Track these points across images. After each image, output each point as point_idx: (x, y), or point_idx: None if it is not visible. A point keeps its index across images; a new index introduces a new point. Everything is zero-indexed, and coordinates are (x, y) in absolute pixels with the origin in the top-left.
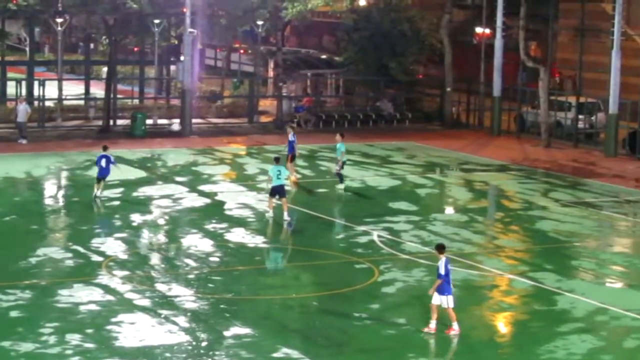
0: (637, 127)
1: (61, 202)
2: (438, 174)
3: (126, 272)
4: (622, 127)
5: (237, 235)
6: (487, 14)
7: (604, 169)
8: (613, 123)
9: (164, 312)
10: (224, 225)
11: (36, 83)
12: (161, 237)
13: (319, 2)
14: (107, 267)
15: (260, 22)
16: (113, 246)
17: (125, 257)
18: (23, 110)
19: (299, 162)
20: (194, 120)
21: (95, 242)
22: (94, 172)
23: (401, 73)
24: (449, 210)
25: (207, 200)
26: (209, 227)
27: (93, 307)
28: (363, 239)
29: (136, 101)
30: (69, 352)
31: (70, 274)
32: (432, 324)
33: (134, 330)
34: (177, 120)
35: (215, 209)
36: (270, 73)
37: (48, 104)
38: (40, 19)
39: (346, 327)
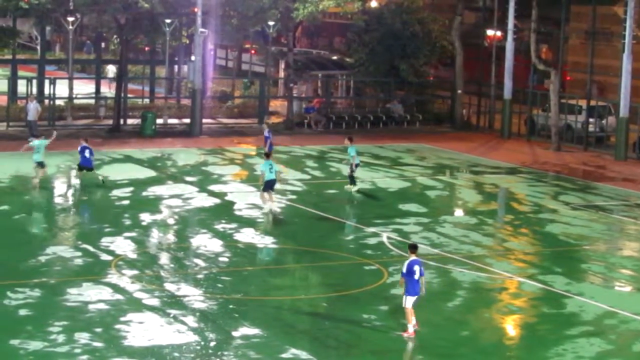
0: None
1: (70, 201)
2: (448, 176)
3: (135, 272)
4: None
5: (247, 236)
6: (498, 17)
7: (614, 173)
8: (623, 126)
9: (173, 311)
10: (233, 225)
11: (47, 82)
12: (170, 237)
13: (330, 3)
14: (116, 266)
15: (271, 23)
16: (122, 245)
17: (134, 256)
18: (33, 109)
19: (309, 162)
20: (204, 120)
21: (105, 241)
22: (102, 170)
23: (412, 75)
24: (459, 212)
25: (217, 200)
26: (219, 227)
27: (102, 306)
28: (372, 241)
29: (146, 101)
30: (77, 350)
31: (80, 272)
32: (410, 328)
33: (143, 329)
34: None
35: (225, 209)
36: (281, 74)
37: (58, 102)
38: (51, 17)
39: (355, 329)
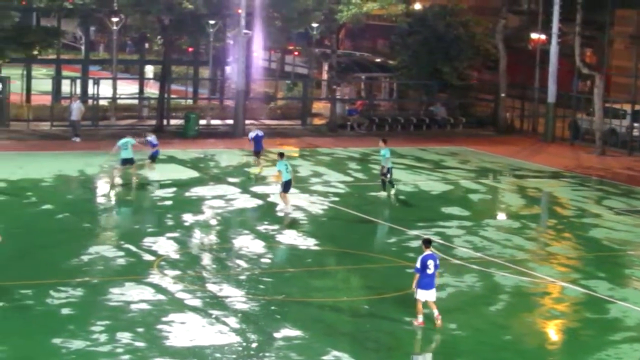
0: None
1: (113, 201)
2: (491, 180)
3: (177, 272)
4: None
5: (289, 237)
6: (542, 20)
7: None
8: None
9: (215, 312)
10: (275, 226)
11: (90, 82)
12: (213, 238)
13: (374, 5)
14: (158, 266)
15: (314, 25)
16: (165, 245)
17: (176, 256)
18: (77, 109)
19: (352, 164)
20: (247, 122)
21: (147, 241)
22: (144, 171)
23: (455, 78)
24: (501, 216)
25: (259, 202)
26: (261, 228)
27: (144, 306)
28: (414, 244)
29: (189, 101)
30: (119, 350)
31: (122, 272)
32: (420, 318)
33: (185, 330)
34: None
35: (267, 211)
36: (324, 75)
37: (102, 102)
38: (95, 17)
39: (396, 331)
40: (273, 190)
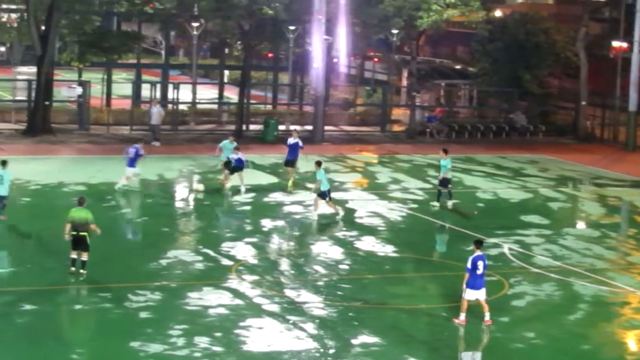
0: None
1: (192, 205)
2: (570, 188)
3: (255, 277)
4: None
5: (367, 244)
6: (624, 27)
7: None
8: None
9: (292, 318)
10: (354, 233)
11: (170, 86)
12: (291, 243)
13: (454, 12)
14: (236, 271)
15: (394, 31)
16: (243, 250)
17: (254, 261)
18: (157, 113)
19: (431, 171)
20: (326, 128)
21: (225, 246)
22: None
23: (535, 85)
24: (581, 225)
25: (338, 208)
26: (339, 234)
27: (222, 310)
28: (493, 252)
29: (269, 107)
30: (197, 354)
31: (200, 277)
32: (462, 316)
33: (262, 335)
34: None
35: (346, 217)
36: (404, 82)
37: (181, 107)
38: (175, 22)
39: (475, 339)
40: (352, 197)
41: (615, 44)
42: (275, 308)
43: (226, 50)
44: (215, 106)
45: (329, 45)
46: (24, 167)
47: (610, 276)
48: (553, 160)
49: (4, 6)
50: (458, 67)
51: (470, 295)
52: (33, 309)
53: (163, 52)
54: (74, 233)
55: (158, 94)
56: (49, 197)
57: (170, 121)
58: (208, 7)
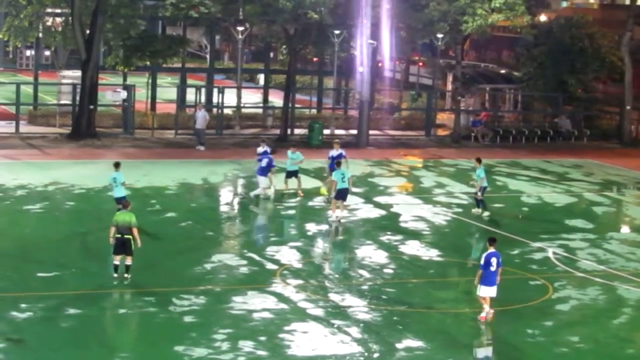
0: None
1: (236, 210)
2: (615, 193)
3: (300, 281)
4: None
5: (412, 248)
6: None
7: None
8: None
9: (337, 322)
10: (398, 237)
11: (215, 90)
12: (335, 247)
13: (500, 16)
14: (281, 275)
15: (439, 35)
16: (287, 255)
17: (299, 266)
18: (202, 117)
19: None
20: (371, 132)
21: (270, 250)
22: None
23: (580, 90)
24: (625, 229)
25: (383, 212)
26: (384, 238)
27: (266, 314)
28: (538, 256)
29: (314, 111)
30: (241, 358)
31: (244, 281)
32: (483, 313)
33: (307, 339)
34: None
35: (390, 221)
36: (449, 86)
37: (226, 111)
38: (221, 27)
39: (518, 344)
40: (396, 201)
41: None
42: (319, 312)
43: (271, 55)
44: (260, 110)
45: (374, 50)
46: (69, 171)
47: None
48: (597, 165)
49: (49, 10)
50: (503, 71)
51: (484, 292)
52: (78, 313)
53: (208, 56)
54: (119, 236)
55: (203, 98)
56: (94, 201)
57: (215, 125)
58: (253, 11)
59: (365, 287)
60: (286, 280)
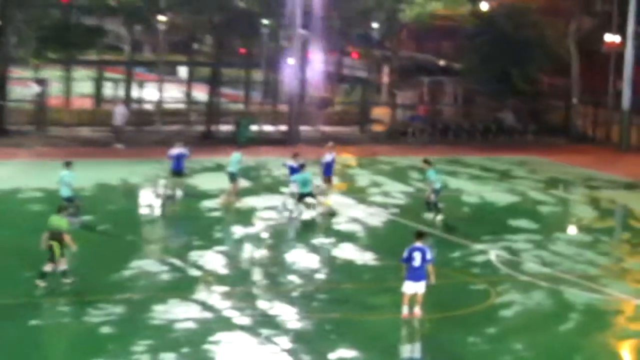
0: None
1: (158, 212)
2: (561, 191)
3: (225, 288)
4: None
5: (345, 251)
6: (617, 22)
7: None
8: None
9: (265, 331)
10: (331, 239)
11: (135, 84)
12: (264, 252)
13: (439, 4)
14: (205, 282)
15: (375, 25)
16: (212, 260)
17: (225, 271)
18: (120, 114)
19: (413, 174)
20: (302, 128)
21: (193, 255)
22: (193, 179)
23: (524, 83)
24: (573, 229)
25: (314, 213)
26: (315, 241)
27: (189, 324)
28: (480, 258)
29: (241, 106)
30: None
31: (166, 288)
32: (405, 309)
33: (233, 350)
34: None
35: (323, 223)
36: (385, 79)
37: (147, 106)
38: (141, 16)
39: (460, 352)
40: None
41: (608, 38)
42: (246, 321)
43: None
44: (183, 105)
45: (305, 41)
46: None
47: (603, 283)
48: (543, 161)
49: None
50: (443, 63)
51: (407, 287)
52: None
53: (127, 48)
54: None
55: (122, 93)
56: (6, 203)
57: (135, 122)
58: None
59: (295, 294)
60: (211, 287)
